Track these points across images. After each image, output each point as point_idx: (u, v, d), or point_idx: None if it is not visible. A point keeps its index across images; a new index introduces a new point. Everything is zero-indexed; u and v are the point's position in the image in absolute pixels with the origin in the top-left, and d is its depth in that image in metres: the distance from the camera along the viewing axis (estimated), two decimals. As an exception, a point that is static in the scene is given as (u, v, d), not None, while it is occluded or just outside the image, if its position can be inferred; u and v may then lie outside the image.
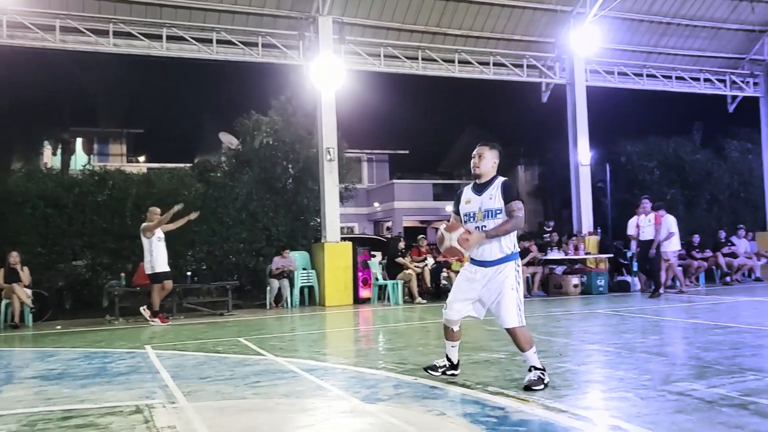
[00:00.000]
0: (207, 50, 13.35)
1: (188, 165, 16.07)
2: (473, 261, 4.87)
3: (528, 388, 4.60)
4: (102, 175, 13.14)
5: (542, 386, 4.62)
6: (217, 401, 4.66)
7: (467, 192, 4.96)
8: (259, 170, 14.58)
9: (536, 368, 4.71)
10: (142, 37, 12.94)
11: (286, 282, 12.86)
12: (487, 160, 4.86)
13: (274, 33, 13.69)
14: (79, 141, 28.96)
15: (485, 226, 4.72)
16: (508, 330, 4.75)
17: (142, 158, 31.97)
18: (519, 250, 4.89)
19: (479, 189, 4.87)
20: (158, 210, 10.65)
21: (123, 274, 11.70)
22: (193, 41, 13.24)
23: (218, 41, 13.40)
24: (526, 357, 4.75)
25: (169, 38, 13.12)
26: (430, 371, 5.13)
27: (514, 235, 4.79)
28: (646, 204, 12.91)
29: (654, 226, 12.68)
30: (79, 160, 24.77)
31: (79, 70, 18.95)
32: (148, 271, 10.47)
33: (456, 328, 5.01)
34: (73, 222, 12.54)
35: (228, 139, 17.75)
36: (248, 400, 4.69)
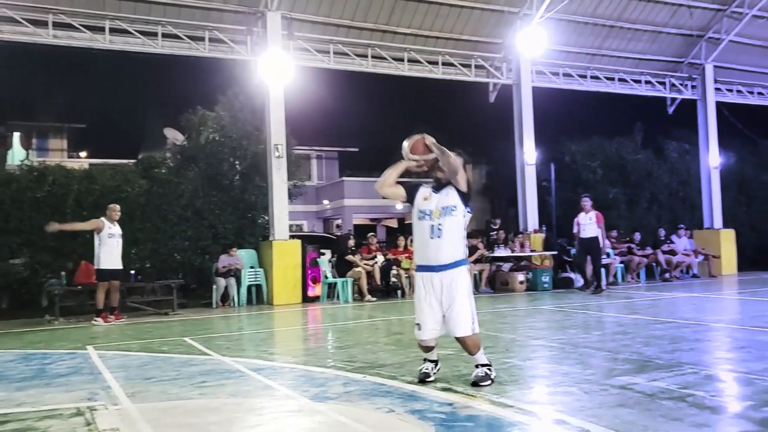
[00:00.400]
0: (152, 44, 13.06)
1: (132, 161, 15.70)
2: (422, 268, 4.85)
3: (476, 384, 4.66)
4: (41, 171, 12.70)
5: (489, 382, 4.69)
6: (162, 402, 4.57)
7: (426, 189, 4.96)
8: (205, 167, 14.35)
9: (483, 365, 4.77)
10: (84, 29, 12.56)
11: (232, 280, 12.71)
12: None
13: (221, 27, 13.49)
14: (16, 135, 28.01)
15: (441, 225, 4.73)
16: (458, 338, 4.76)
17: (83, 154, 31.07)
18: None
19: (438, 187, 4.90)
20: (117, 207, 10.72)
21: (64, 273, 11.35)
22: (138, 34, 12.94)
23: (164, 35, 13.12)
24: (478, 358, 4.80)
25: (113, 31, 12.78)
26: (426, 380, 4.90)
27: (465, 243, 4.81)
28: (587, 202, 13.23)
29: (596, 224, 13.01)
30: (17, 155, 23.90)
31: (17, 62, 18.30)
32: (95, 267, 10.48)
33: (432, 344, 4.92)
34: (10, 219, 12.09)
35: (173, 135, 17.40)
36: (194, 400, 4.62)
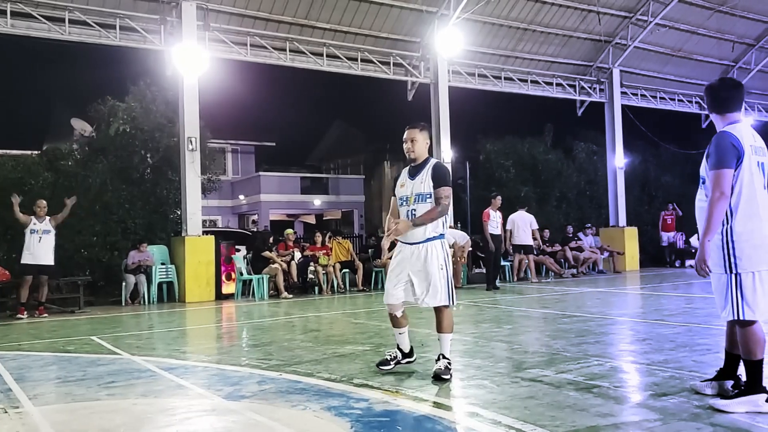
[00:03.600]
0: (59, 30, 12.45)
1: (36, 152, 14.93)
2: (401, 241, 4.95)
3: (437, 377, 4.70)
4: (-66, 162, 11.94)
5: (449, 376, 4.74)
6: (67, 404, 4.39)
7: (403, 175, 5.04)
8: (114, 159, 13.84)
9: (445, 357, 4.83)
10: (-18, 12, 11.87)
11: (143, 277, 12.33)
12: (419, 143, 4.93)
13: (133, 16, 13.00)
14: None
15: (415, 210, 4.80)
16: (436, 309, 4.82)
17: (-19, 143, 29.31)
18: (446, 232, 4.95)
19: (413, 173, 4.94)
20: (43, 203, 10.79)
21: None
22: (43, 19, 12.30)
23: (71, 21, 12.53)
24: (441, 340, 4.85)
25: (15, 14, 12.09)
26: (381, 367, 5.01)
27: (442, 219, 4.85)
28: (497, 200, 13.72)
29: (500, 222, 13.65)
30: None
31: None
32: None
33: (399, 314, 4.99)
34: None
35: (81, 126, 16.67)
36: (102, 401, 4.46)
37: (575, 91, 19.10)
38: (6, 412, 4.19)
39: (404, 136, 4.96)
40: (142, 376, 5.32)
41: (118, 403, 4.37)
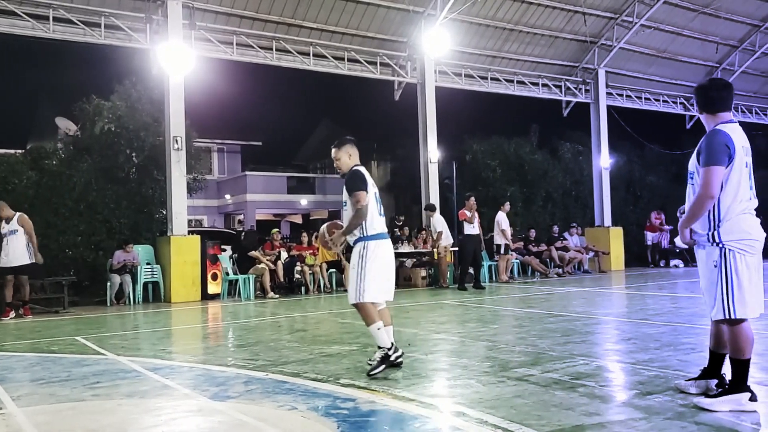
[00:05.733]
0: (42, 28, 12.34)
1: (19, 151, 14.79)
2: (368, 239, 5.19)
3: (369, 372, 4.88)
4: None
5: (382, 367, 4.86)
6: (51, 405, 4.35)
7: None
8: (99, 158, 13.73)
9: (380, 347, 4.95)
10: (-36, 9, 11.75)
11: (128, 277, 12.26)
12: (342, 159, 5.23)
13: (118, 14, 12.91)
14: None
15: (344, 217, 5.20)
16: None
17: (-36, 142, 28.99)
18: (377, 232, 5.08)
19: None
20: (2, 203, 10.59)
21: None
22: (27, 17, 12.18)
23: (55, 19, 12.42)
24: (371, 333, 5.06)
25: (-2, 12, 12.00)
26: (371, 374, 4.89)
27: (369, 220, 5.02)
28: (472, 201, 13.69)
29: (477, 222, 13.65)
30: None
31: None
32: None
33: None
34: None
35: (65, 125, 16.54)
36: (87, 402, 4.42)
37: (561, 92, 19.19)
38: (-11, 413, 4.16)
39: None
40: (127, 376, 5.28)
41: (103, 404, 4.34)
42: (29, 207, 11.99)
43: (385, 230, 5.22)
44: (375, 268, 5.00)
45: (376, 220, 5.08)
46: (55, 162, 13.44)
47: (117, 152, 13.97)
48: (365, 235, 5.04)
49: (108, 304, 12.04)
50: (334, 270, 14.10)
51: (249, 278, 12.91)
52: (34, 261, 10.52)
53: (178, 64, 12.61)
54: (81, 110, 14.44)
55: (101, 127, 13.92)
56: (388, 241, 5.19)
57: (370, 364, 4.94)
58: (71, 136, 15.15)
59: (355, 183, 5.02)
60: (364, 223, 5.01)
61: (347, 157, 5.21)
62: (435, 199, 15.96)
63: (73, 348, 6.97)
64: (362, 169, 5.19)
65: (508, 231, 14.88)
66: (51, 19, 12.36)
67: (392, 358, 5.01)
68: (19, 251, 10.39)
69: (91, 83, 16.49)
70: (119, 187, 13.66)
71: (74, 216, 12.83)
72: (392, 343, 5.05)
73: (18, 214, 10.56)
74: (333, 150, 5.24)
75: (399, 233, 15.23)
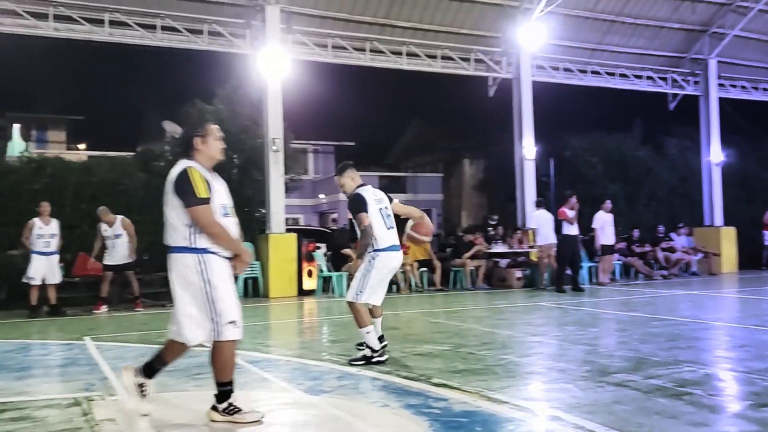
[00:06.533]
0: (151, 36, 12.99)
1: (131, 153, 15.64)
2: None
3: (350, 360, 5.44)
4: (40, 163, 12.65)
5: (363, 362, 5.34)
6: (157, 393, 4.53)
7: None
8: (204, 160, 14.28)
9: (368, 347, 5.40)
10: (84, 22, 12.50)
11: (230, 274, 12.65)
12: (346, 184, 5.72)
13: (220, 21, 13.41)
14: (16, 127, 27.93)
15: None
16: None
17: (82, 146, 30.99)
18: (388, 245, 5.52)
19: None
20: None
21: (62, 264, 11.32)
22: (137, 27, 12.85)
23: (163, 28, 13.04)
24: (361, 334, 5.46)
25: (112, 23, 12.70)
26: (351, 362, 5.46)
27: (377, 235, 5.47)
28: (574, 200, 13.05)
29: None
30: (17, 146, 23.84)
31: (18, 54, 18.22)
32: None
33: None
34: (8, 210, 12.05)
35: (172, 128, 17.36)
36: (189, 391, 4.60)
37: (667, 84, 18.30)
38: (104, 399, 4.41)
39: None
40: (226, 369, 5.44)
41: (204, 394, 4.47)
42: (139, 206, 12.65)
43: (396, 242, 5.61)
44: (378, 276, 5.48)
45: (383, 234, 5.49)
46: (163, 163, 14.08)
47: (219, 154, 14.47)
48: (376, 248, 5.48)
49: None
50: (425, 269, 14.04)
51: (342, 275, 13.09)
52: (135, 259, 11.04)
53: (276, 68, 12.94)
54: (186, 114, 15.10)
55: (205, 130, 14.48)
56: (398, 253, 5.62)
57: (359, 349, 5.60)
58: (178, 138, 15.87)
59: (355, 206, 5.49)
60: (377, 237, 5.45)
61: (350, 180, 5.69)
62: (531, 196, 15.57)
63: (178, 341, 7.25)
64: (363, 190, 5.58)
65: (601, 231, 14.10)
66: (159, 28, 12.97)
67: (374, 360, 5.37)
68: (125, 253, 10.87)
69: (195, 88, 17.23)
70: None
71: (180, 215, 13.37)
72: (382, 346, 5.47)
73: (119, 217, 10.96)
74: (336, 177, 5.80)
75: (493, 232, 14.98)
